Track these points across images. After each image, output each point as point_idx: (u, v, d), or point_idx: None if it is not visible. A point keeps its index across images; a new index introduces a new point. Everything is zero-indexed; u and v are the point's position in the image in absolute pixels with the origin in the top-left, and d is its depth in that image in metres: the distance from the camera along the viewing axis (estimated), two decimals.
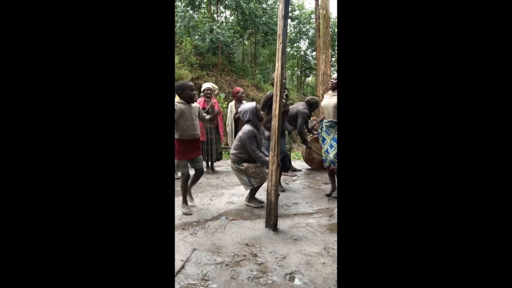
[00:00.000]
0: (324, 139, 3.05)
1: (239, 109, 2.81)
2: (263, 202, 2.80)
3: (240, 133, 2.73)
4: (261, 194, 3.08)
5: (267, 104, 3.09)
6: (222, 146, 4.88)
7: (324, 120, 3.03)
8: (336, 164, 2.93)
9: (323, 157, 3.08)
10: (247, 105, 2.79)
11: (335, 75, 3.05)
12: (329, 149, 2.96)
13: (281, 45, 2.03)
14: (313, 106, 3.70)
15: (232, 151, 2.77)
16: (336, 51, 14.32)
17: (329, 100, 2.95)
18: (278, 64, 2.07)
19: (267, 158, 2.53)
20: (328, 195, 3.13)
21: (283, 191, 3.35)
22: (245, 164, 2.69)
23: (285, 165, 3.38)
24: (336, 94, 2.93)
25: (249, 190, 2.78)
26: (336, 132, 2.94)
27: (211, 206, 2.77)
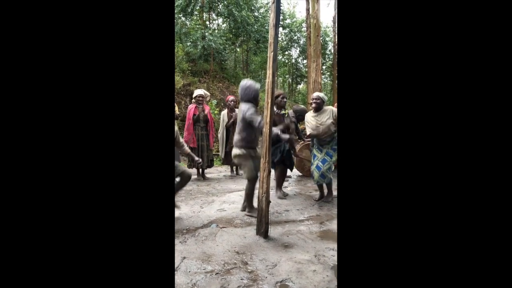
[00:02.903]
0: (315, 156, 3.08)
1: (241, 85, 2.59)
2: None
3: (241, 113, 2.52)
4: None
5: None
6: (213, 152, 4.86)
7: (316, 140, 3.08)
8: (326, 179, 2.98)
9: (312, 172, 3.09)
10: (253, 83, 2.58)
11: (315, 94, 3.02)
12: (321, 164, 2.99)
13: (272, 53, 2.05)
14: (298, 113, 3.86)
15: (236, 136, 2.59)
16: (327, 59, 14.57)
17: (319, 121, 2.94)
18: (269, 72, 2.09)
19: (276, 130, 2.43)
20: (316, 200, 3.17)
21: (286, 195, 3.38)
22: (259, 150, 2.55)
23: (290, 161, 3.36)
24: (321, 114, 2.95)
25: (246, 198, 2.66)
26: (330, 147, 2.97)
27: (202, 214, 2.74)
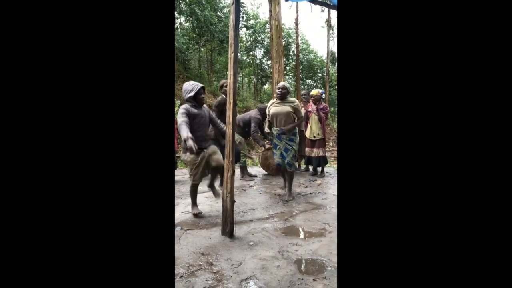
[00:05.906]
0: (276, 145, 3.19)
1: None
2: (201, 212, 2.74)
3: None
4: (217, 202, 3.06)
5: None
6: (178, 154, 4.75)
7: (275, 128, 3.16)
8: (292, 168, 3.11)
9: (277, 162, 3.20)
10: (189, 84, 2.56)
11: (280, 84, 3.14)
12: (285, 153, 3.11)
13: (232, 54, 2.07)
14: (263, 111, 3.98)
15: None
16: (290, 60, 14.92)
17: (279, 108, 3.07)
18: (230, 73, 2.10)
19: (185, 134, 2.20)
20: (286, 201, 3.20)
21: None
22: (184, 155, 2.53)
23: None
24: (284, 103, 3.07)
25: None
26: (288, 137, 3.10)
27: None
